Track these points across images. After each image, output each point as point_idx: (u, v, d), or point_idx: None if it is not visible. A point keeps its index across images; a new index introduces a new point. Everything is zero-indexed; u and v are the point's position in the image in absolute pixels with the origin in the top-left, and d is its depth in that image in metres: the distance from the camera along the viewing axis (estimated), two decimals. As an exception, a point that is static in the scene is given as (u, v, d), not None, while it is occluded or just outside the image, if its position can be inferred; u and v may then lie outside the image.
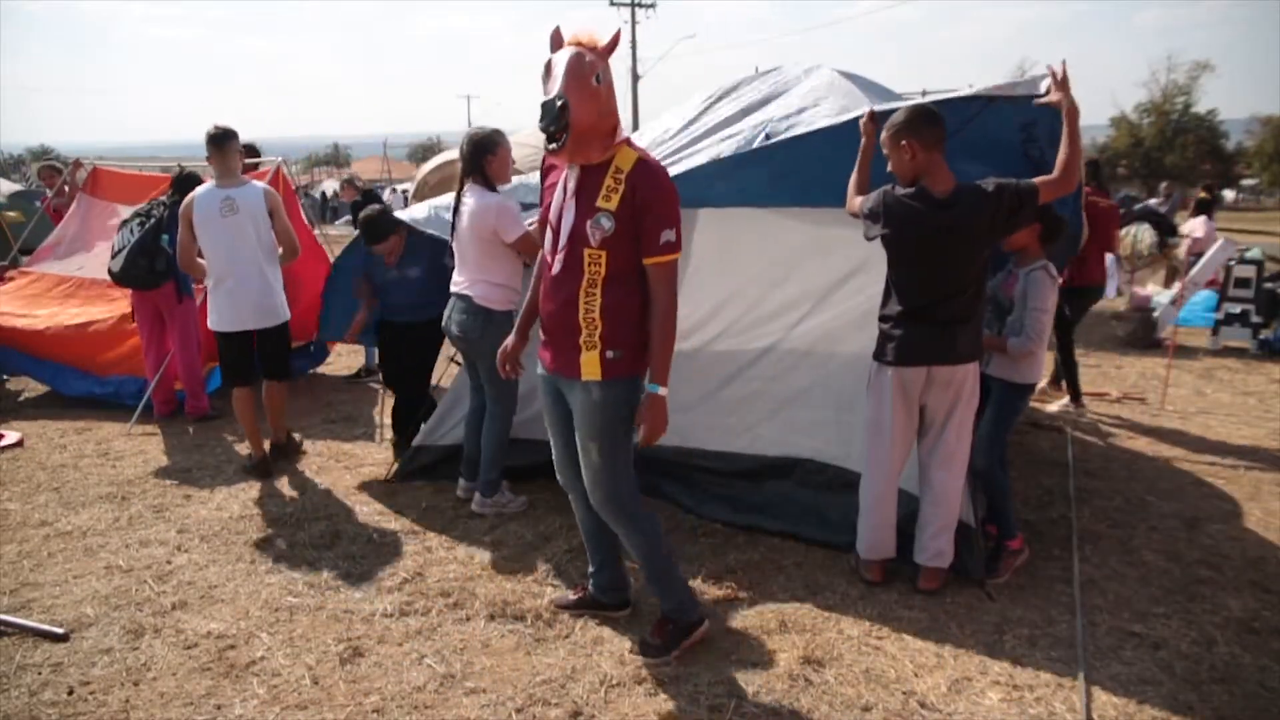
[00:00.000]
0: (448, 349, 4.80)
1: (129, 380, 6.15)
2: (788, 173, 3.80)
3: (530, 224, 3.90)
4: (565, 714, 2.71)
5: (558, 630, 3.21)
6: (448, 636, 3.18)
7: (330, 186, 30.06)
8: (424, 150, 57.83)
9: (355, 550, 3.90)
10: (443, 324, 4.26)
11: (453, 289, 4.18)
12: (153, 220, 5.72)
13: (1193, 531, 4.09)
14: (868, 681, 2.88)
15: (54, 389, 6.50)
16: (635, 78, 38.41)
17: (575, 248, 2.70)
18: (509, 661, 3.01)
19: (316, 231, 7.32)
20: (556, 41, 2.63)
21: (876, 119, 3.45)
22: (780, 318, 4.11)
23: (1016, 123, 3.52)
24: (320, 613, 3.35)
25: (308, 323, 6.09)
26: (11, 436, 5.57)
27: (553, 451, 3.08)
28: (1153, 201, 13.78)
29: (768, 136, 3.82)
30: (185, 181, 5.81)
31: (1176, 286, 7.88)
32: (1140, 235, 10.07)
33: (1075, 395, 6.21)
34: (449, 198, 4.40)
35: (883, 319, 3.40)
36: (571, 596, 3.37)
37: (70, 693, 2.86)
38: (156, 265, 5.63)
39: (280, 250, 4.81)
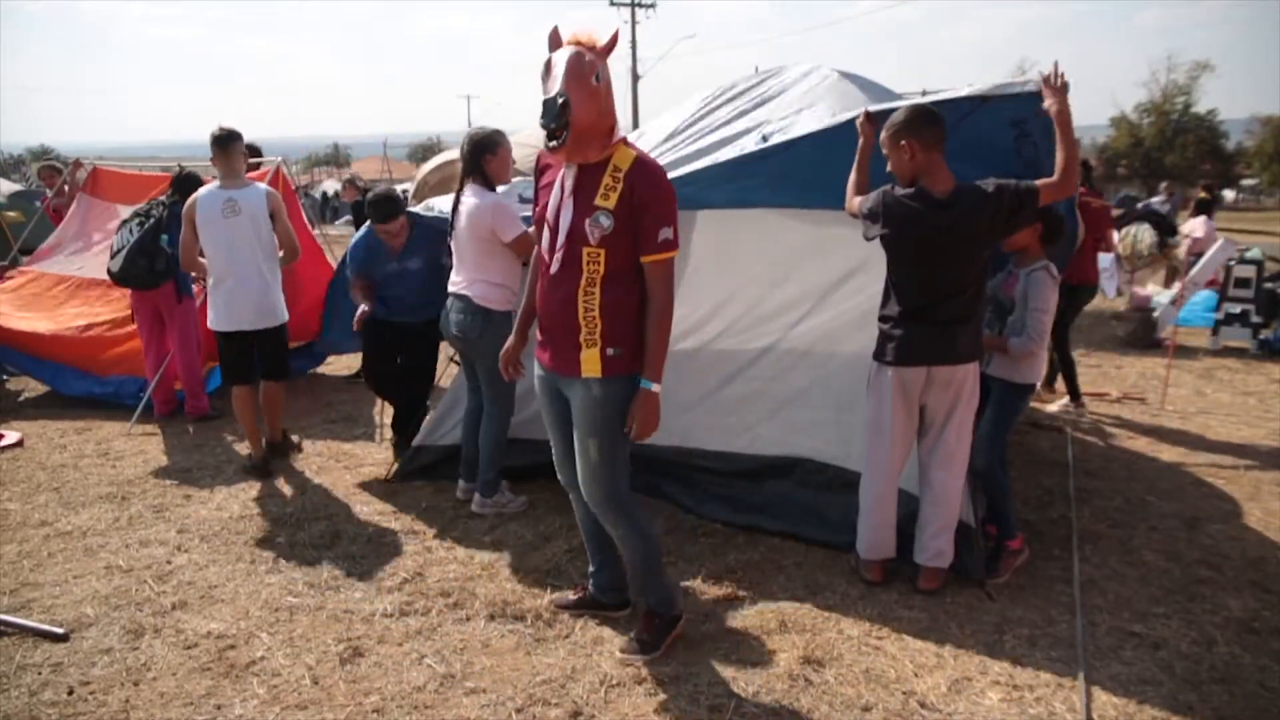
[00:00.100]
0: (448, 349, 4.80)
1: (129, 380, 6.15)
2: (784, 175, 3.80)
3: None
4: (565, 714, 2.71)
5: (558, 630, 3.21)
6: (448, 636, 3.18)
7: (331, 186, 30.07)
8: (424, 150, 57.82)
9: (355, 550, 3.90)
10: (440, 324, 4.26)
11: (451, 289, 4.18)
12: (152, 220, 5.72)
13: (1193, 531, 4.09)
14: (868, 681, 2.88)
15: (54, 389, 6.50)
16: (635, 78, 38.42)
17: (574, 246, 2.71)
18: (509, 661, 3.01)
19: (316, 231, 7.32)
20: (555, 41, 2.63)
21: (873, 119, 3.45)
22: (780, 317, 4.10)
23: (1009, 119, 3.52)
24: (320, 613, 3.35)
25: (308, 323, 6.10)
26: (11, 436, 5.57)
27: (552, 451, 3.08)
28: (1154, 201, 13.78)
29: (764, 139, 3.82)
30: (185, 181, 5.81)
31: (1176, 286, 7.88)
32: (1140, 235, 10.07)
33: (1074, 394, 6.21)
34: (448, 199, 4.42)
35: (882, 319, 3.40)
36: (571, 596, 3.37)
37: (70, 693, 2.86)
38: (156, 265, 5.64)
39: (281, 252, 4.83)
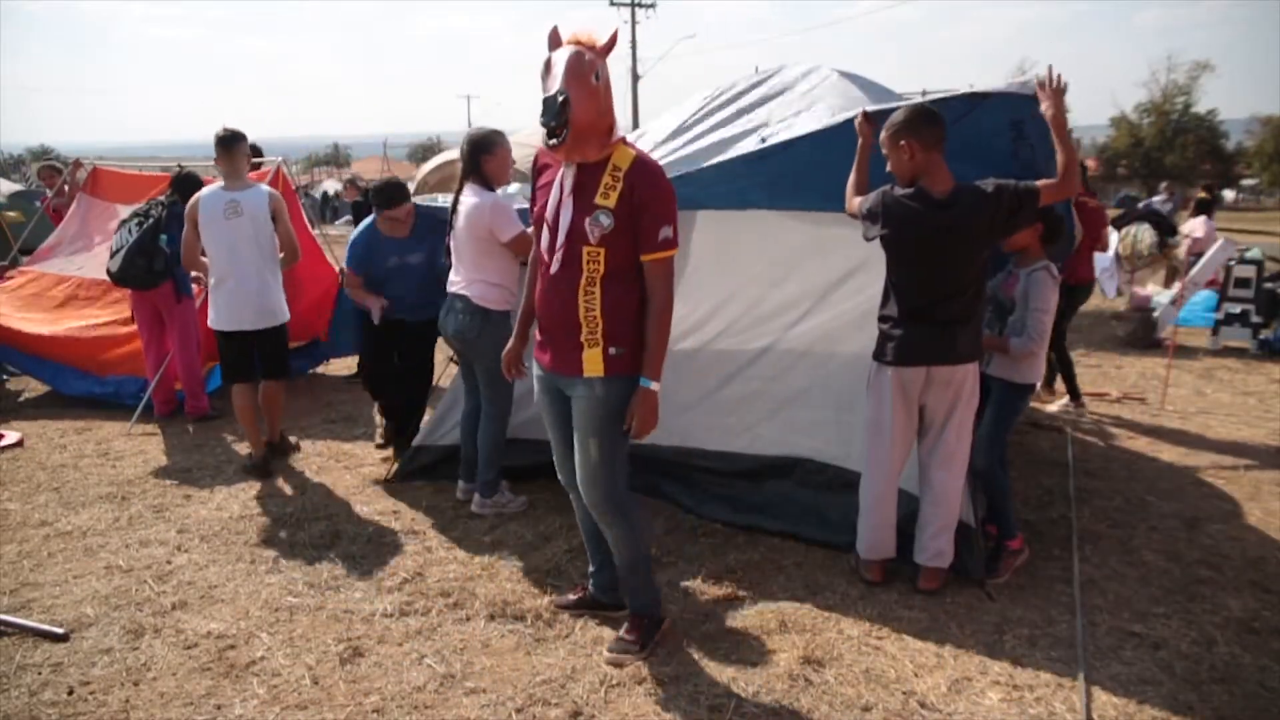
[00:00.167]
0: (446, 349, 4.79)
1: (129, 380, 6.15)
2: (782, 175, 3.80)
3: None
4: (565, 714, 2.71)
5: (558, 630, 3.20)
6: (448, 636, 3.18)
7: (331, 187, 30.07)
8: (424, 150, 57.82)
9: (355, 550, 3.90)
10: (438, 324, 4.26)
11: (449, 289, 4.18)
12: (151, 220, 5.71)
13: (1193, 531, 4.09)
14: (868, 681, 2.88)
15: (54, 389, 6.50)
16: (635, 78, 38.41)
17: (574, 245, 2.71)
18: (509, 661, 3.01)
19: (316, 231, 7.32)
20: (555, 40, 2.64)
21: (872, 119, 3.45)
22: (780, 317, 4.11)
23: (1006, 120, 3.52)
24: (320, 613, 3.35)
25: (308, 322, 6.10)
26: (11, 436, 5.57)
27: (552, 451, 3.08)
28: (1156, 200, 13.78)
29: (762, 140, 3.83)
30: (184, 181, 5.82)
31: (1176, 286, 7.88)
32: (1140, 235, 10.07)
33: (1074, 394, 6.21)
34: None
35: (882, 319, 3.40)
36: (571, 596, 3.37)
37: (70, 693, 2.86)
38: (154, 265, 5.63)
39: (281, 254, 4.84)
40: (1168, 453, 5.29)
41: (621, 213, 2.65)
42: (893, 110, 3.29)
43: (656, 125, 4.65)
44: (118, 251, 5.65)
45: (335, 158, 71.69)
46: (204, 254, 4.77)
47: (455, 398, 4.59)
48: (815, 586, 3.52)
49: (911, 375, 3.31)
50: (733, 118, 4.23)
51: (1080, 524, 4.15)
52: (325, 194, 28.56)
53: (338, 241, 8.95)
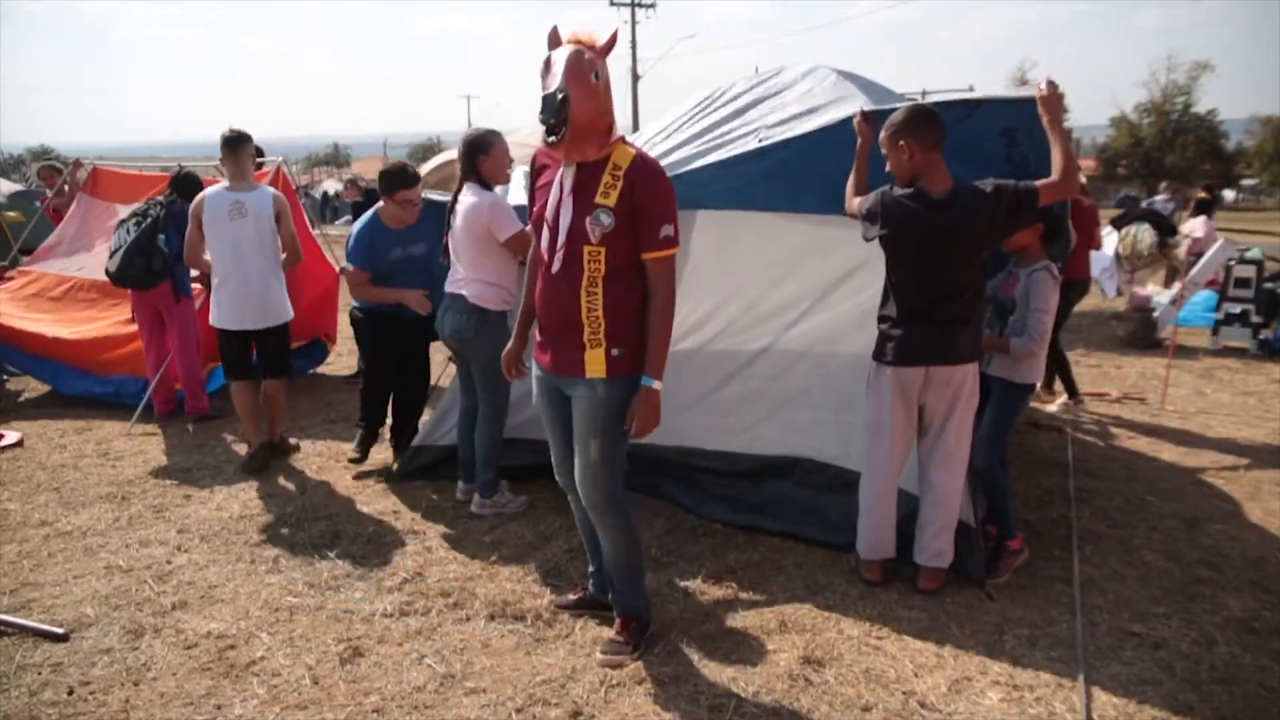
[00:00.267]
0: (444, 349, 4.78)
1: (129, 380, 6.15)
2: (780, 175, 3.80)
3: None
4: (565, 714, 2.71)
5: (558, 630, 3.20)
6: (448, 636, 3.18)
7: (331, 186, 30.07)
8: (424, 150, 57.77)
9: (355, 550, 3.90)
10: (436, 324, 4.25)
11: (448, 288, 4.17)
12: (149, 220, 5.70)
13: (1193, 531, 4.09)
14: (868, 681, 2.88)
15: (54, 389, 6.50)
16: (635, 78, 38.42)
17: (574, 245, 2.71)
18: (509, 661, 3.01)
19: (316, 231, 7.32)
20: (555, 40, 2.64)
21: (870, 119, 3.45)
22: (779, 317, 4.10)
23: (999, 127, 3.53)
24: (320, 613, 3.35)
25: (308, 322, 6.09)
26: (11, 436, 5.57)
27: (551, 452, 3.07)
28: (1157, 200, 13.77)
29: (760, 141, 3.83)
30: (183, 181, 5.81)
31: (1176, 286, 7.88)
32: (1140, 235, 10.06)
33: (1072, 391, 6.21)
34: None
35: (882, 319, 3.40)
36: (571, 596, 3.37)
37: (70, 693, 2.86)
38: (153, 265, 5.63)
39: (283, 255, 4.86)
40: (1168, 453, 5.29)
41: (622, 211, 2.65)
42: (892, 110, 3.29)
43: (656, 126, 4.66)
44: (116, 251, 5.65)
45: (335, 158, 71.70)
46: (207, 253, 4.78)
47: (454, 398, 4.58)
48: (815, 586, 3.52)
49: (911, 375, 3.31)
50: (732, 118, 4.23)
51: (1080, 524, 4.15)
52: (325, 194, 28.57)
53: (338, 241, 8.94)
